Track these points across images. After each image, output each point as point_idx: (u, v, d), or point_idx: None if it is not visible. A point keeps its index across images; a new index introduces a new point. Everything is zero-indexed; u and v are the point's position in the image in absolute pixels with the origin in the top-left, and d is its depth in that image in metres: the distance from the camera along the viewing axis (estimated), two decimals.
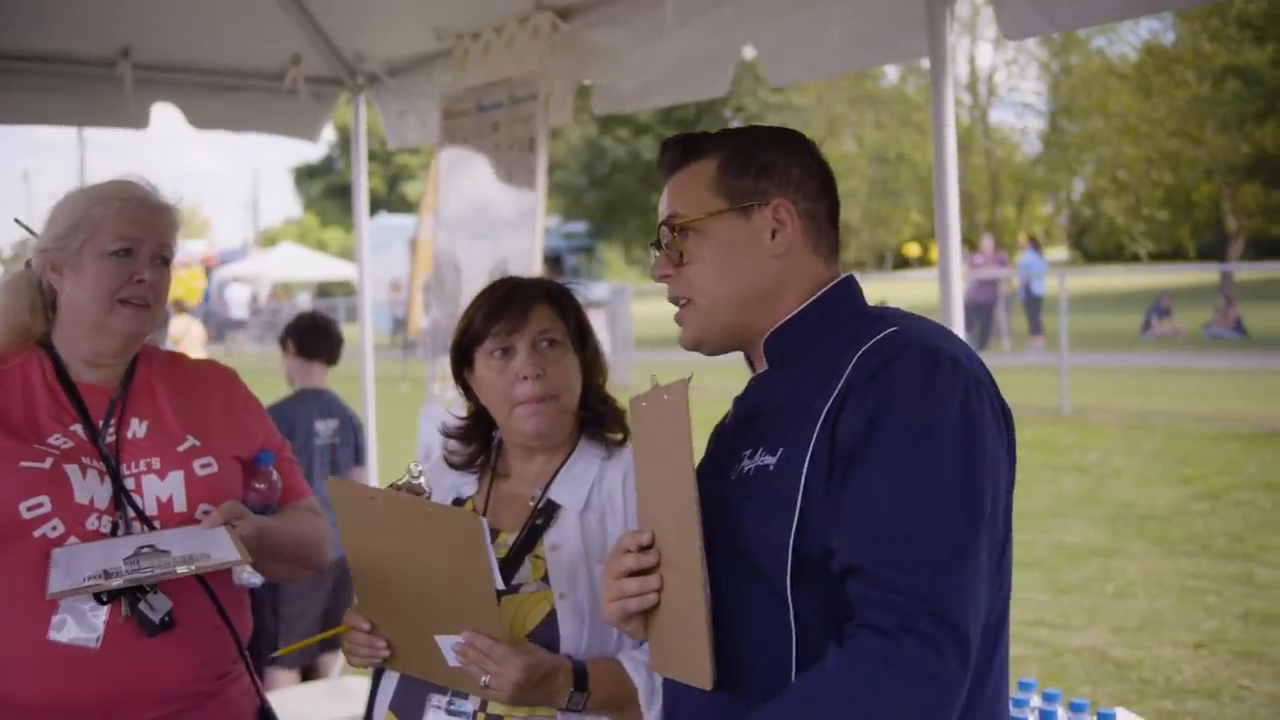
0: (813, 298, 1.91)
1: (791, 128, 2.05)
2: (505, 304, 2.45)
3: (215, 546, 2.40)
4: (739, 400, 2.02)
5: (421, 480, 2.31)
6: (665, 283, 1.98)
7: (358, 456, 5.85)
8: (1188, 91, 28.91)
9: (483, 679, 2.19)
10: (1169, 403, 14.62)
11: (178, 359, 2.83)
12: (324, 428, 5.69)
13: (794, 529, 1.74)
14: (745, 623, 1.81)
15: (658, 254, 1.98)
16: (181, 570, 2.32)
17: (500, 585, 2.14)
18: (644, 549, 1.88)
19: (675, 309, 1.98)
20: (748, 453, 1.86)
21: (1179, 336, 22.80)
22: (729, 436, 1.98)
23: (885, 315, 1.87)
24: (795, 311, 1.91)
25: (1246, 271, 27.34)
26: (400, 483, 2.30)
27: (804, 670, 1.74)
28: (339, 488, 2.32)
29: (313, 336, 5.80)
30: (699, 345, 1.98)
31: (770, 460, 1.81)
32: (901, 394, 1.70)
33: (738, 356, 2.02)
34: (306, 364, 5.75)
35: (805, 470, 1.74)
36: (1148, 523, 9.32)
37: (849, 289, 1.95)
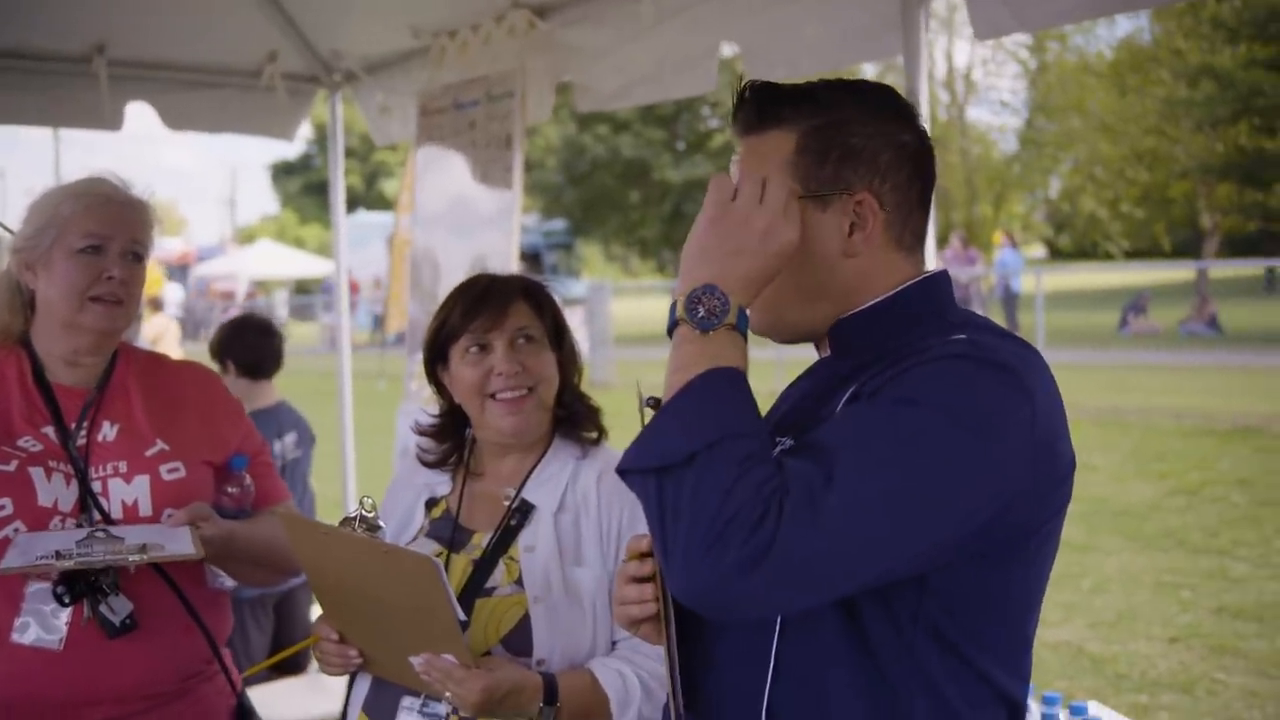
0: (891, 292, 1.70)
1: (888, 85, 1.78)
2: (482, 301, 2.44)
3: (174, 542, 2.40)
4: (796, 381, 1.86)
5: (375, 515, 2.27)
6: None
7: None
8: (1163, 90, 29.06)
9: (445, 695, 2.19)
10: (1145, 399, 14.72)
11: (159, 360, 2.82)
12: (281, 446, 5.12)
13: None
14: (724, 642, 1.68)
15: None
16: (134, 558, 2.31)
17: (463, 618, 2.11)
18: (644, 555, 1.75)
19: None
20: (781, 439, 1.69)
21: (1155, 333, 22.92)
22: (773, 419, 1.79)
23: (964, 322, 1.68)
24: (868, 305, 1.70)
25: (1221, 269, 27.52)
26: (353, 515, 2.25)
27: (776, 712, 1.61)
28: (292, 521, 2.29)
29: (260, 353, 5.12)
30: (765, 334, 1.76)
31: (786, 446, 1.64)
32: (932, 368, 1.53)
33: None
34: (252, 384, 5.06)
35: None
36: (1123, 519, 9.38)
37: (934, 288, 1.73)
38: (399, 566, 2.09)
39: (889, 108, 1.73)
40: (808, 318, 1.74)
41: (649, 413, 1.60)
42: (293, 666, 5.24)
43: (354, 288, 32.06)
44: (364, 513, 2.26)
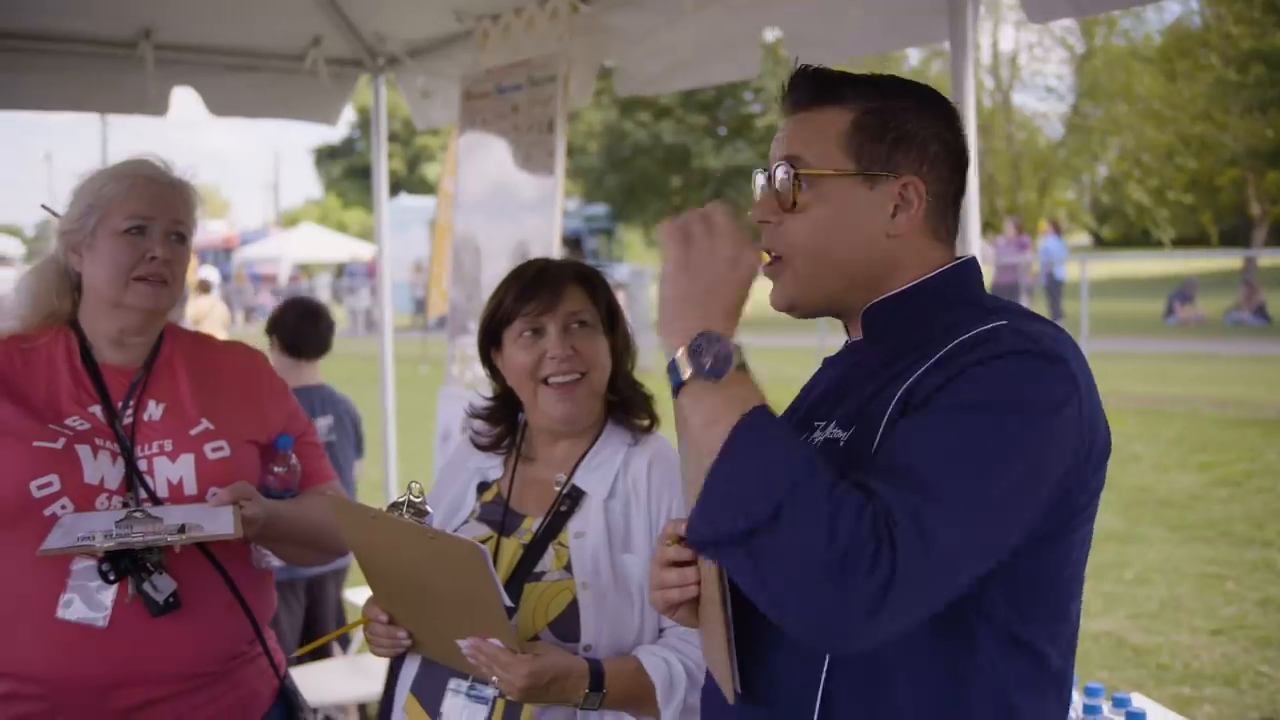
0: (924, 277, 1.75)
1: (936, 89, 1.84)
2: (537, 285, 2.44)
3: (213, 521, 2.41)
4: (828, 364, 1.89)
5: (423, 500, 2.28)
6: (763, 228, 1.77)
7: (358, 448, 5.59)
8: (1212, 75, 28.66)
9: (492, 679, 2.20)
10: (1189, 388, 14.55)
11: (205, 340, 2.84)
12: (321, 425, 5.21)
13: None
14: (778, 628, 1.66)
15: (763, 190, 1.77)
16: (172, 539, 2.33)
17: (509, 604, 2.11)
18: (682, 539, 1.74)
19: None
20: (820, 424, 1.74)
21: (1201, 322, 22.66)
22: (807, 401, 1.85)
23: (998, 308, 1.71)
24: (902, 288, 1.75)
25: (1270, 257, 27.14)
26: (400, 500, 2.26)
27: (831, 697, 1.64)
28: (341, 505, 2.30)
29: (300, 334, 5.28)
30: (791, 309, 1.80)
31: (841, 435, 1.69)
32: (989, 374, 1.55)
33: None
34: (295, 363, 5.27)
35: (874, 452, 1.60)
36: (1166, 509, 9.29)
37: (965, 273, 1.78)
38: (446, 552, 2.09)
39: (940, 107, 1.79)
40: (836, 295, 1.78)
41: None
42: (321, 652, 5.30)
43: (371, 270, 32.54)
44: (411, 498, 2.26)
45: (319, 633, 5.22)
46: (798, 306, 1.79)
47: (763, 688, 1.71)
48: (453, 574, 2.11)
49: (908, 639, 1.57)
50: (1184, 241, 33.15)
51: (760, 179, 1.78)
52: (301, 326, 5.31)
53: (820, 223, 1.73)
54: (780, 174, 1.74)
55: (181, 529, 2.35)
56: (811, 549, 1.42)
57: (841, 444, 1.67)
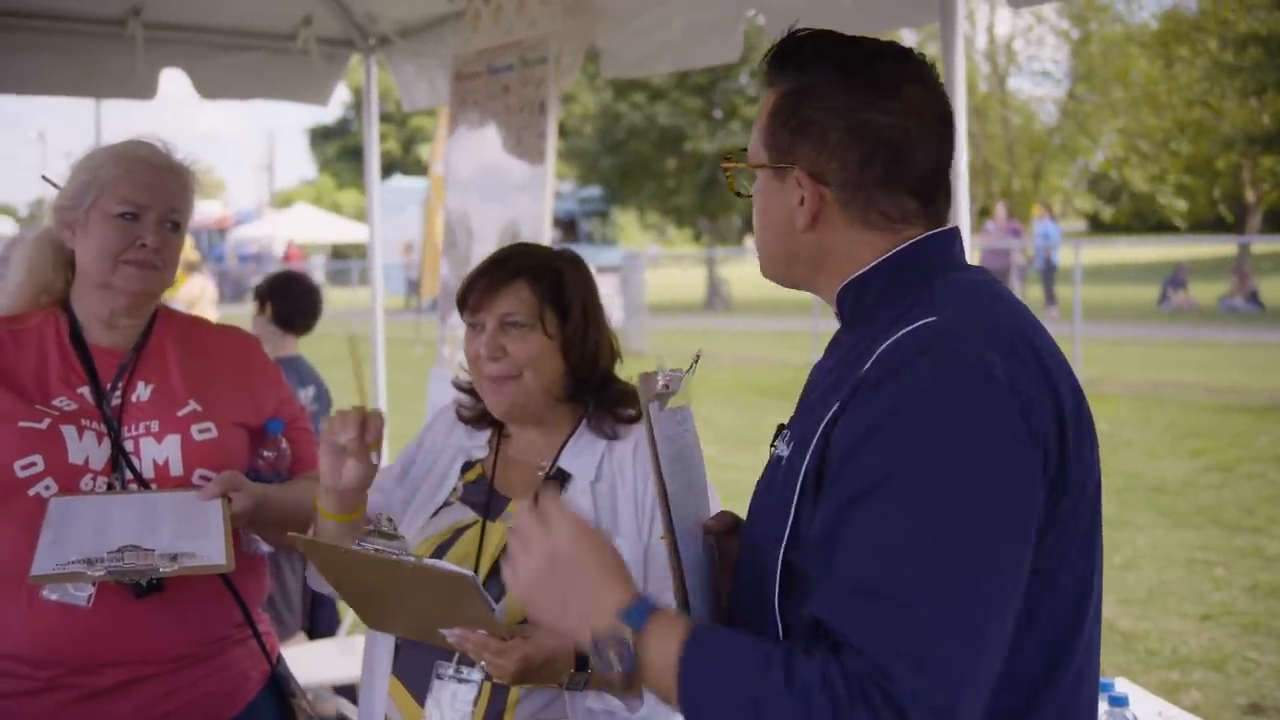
0: (884, 256, 1.63)
1: (901, 44, 1.70)
2: (478, 279, 2.44)
3: (205, 531, 2.39)
4: (824, 357, 1.77)
5: (392, 526, 2.19)
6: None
7: None
8: (1209, 59, 28.57)
9: (479, 662, 2.19)
10: (1181, 375, 14.58)
11: (198, 323, 2.84)
12: (303, 395, 5.31)
13: (785, 537, 1.54)
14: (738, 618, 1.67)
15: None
16: (165, 569, 2.30)
17: (502, 618, 2.08)
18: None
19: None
20: (784, 433, 1.67)
21: (1194, 308, 22.68)
22: (811, 399, 1.71)
23: (941, 292, 1.59)
24: (864, 270, 1.64)
25: (1263, 244, 27.12)
26: (370, 526, 2.18)
27: None
28: (309, 544, 2.19)
29: (293, 306, 5.48)
30: (767, 276, 1.77)
31: (785, 452, 1.63)
32: (905, 410, 1.44)
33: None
34: (282, 333, 5.41)
35: (802, 474, 1.54)
36: (1157, 495, 9.31)
37: (926, 249, 1.64)
38: (431, 580, 2.06)
39: (866, 81, 1.62)
40: (792, 276, 1.74)
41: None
42: (325, 630, 5.31)
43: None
44: (380, 529, 2.18)
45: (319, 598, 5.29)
46: (769, 278, 1.77)
47: None
48: (437, 595, 2.08)
49: None
50: (1192, 225, 33.03)
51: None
52: (300, 302, 5.50)
53: (756, 213, 1.72)
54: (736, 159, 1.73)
55: (174, 558, 2.32)
56: None
57: (784, 461, 1.62)
